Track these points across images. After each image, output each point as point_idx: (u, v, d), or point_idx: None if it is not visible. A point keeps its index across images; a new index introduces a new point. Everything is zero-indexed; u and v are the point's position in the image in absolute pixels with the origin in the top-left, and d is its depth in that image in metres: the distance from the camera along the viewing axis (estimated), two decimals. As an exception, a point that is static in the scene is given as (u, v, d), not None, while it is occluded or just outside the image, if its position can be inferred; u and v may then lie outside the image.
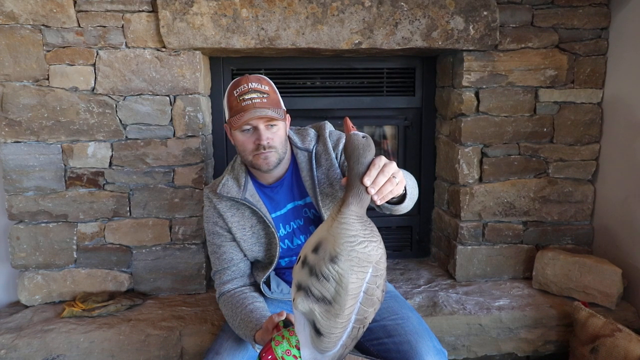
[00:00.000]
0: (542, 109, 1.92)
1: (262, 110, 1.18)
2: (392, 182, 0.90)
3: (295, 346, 0.96)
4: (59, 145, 1.75)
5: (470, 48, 1.82)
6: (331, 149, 1.32)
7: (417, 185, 1.20)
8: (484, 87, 1.88)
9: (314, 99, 2.05)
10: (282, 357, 0.96)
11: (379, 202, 0.91)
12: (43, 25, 1.67)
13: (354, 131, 0.96)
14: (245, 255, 1.35)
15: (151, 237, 1.84)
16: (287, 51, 1.83)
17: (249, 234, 1.32)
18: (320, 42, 1.75)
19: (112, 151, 1.77)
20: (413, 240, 2.27)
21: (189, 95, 1.77)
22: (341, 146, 1.33)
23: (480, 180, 1.95)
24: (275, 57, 1.98)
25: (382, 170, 0.89)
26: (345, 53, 1.90)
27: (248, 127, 1.21)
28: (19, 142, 1.73)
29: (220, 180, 1.34)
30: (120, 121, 1.76)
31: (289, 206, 1.35)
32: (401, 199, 1.08)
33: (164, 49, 1.73)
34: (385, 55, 2.01)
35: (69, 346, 1.60)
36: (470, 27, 1.79)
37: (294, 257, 1.37)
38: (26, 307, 1.80)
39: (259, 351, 1.07)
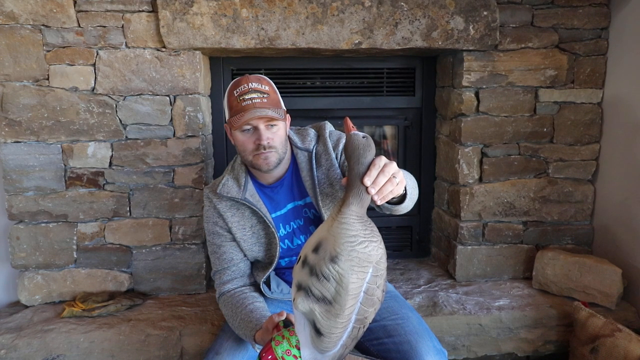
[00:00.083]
0: (542, 109, 1.92)
1: (262, 110, 1.19)
2: (392, 182, 0.90)
3: (296, 346, 0.96)
4: (59, 145, 1.75)
5: (470, 48, 1.82)
6: (331, 149, 1.32)
7: (417, 186, 1.20)
8: (484, 87, 1.88)
9: (314, 99, 2.05)
10: (282, 357, 0.96)
11: (379, 202, 0.91)
12: (43, 25, 1.67)
13: (354, 131, 0.95)
14: (245, 255, 1.35)
15: (151, 237, 1.84)
16: (287, 51, 1.83)
17: (249, 234, 1.32)
18: (320, 42, 1.75)
19: (112, 151, 1.77)
20: (413, 240, 2.27)
21: (189, 95, 1.77)
22: (341, 146, 1.33)
23: (480, 180, 1.95)
24: (275, 57, 1.98)
25: (382, 170, 0.89)
26: (345, 53, 1.90)
27: (248, 127, 1.22)
28: (19, 142, 1.73)
29: (220, 180, 1.34)
30: (120, 121, 1.76)
31: (289, 206, 1.35)
32: (401, 199, 1.08)
33: (164, 49, 1.73)
34: (385, 55, 2.01)
35: (69, 346, 1.60)
36: (470, 27, 1.79)
37: (294, 257, 1.37)
38: (26, 307, 1.80)
39: (259, 351, 1.06)
